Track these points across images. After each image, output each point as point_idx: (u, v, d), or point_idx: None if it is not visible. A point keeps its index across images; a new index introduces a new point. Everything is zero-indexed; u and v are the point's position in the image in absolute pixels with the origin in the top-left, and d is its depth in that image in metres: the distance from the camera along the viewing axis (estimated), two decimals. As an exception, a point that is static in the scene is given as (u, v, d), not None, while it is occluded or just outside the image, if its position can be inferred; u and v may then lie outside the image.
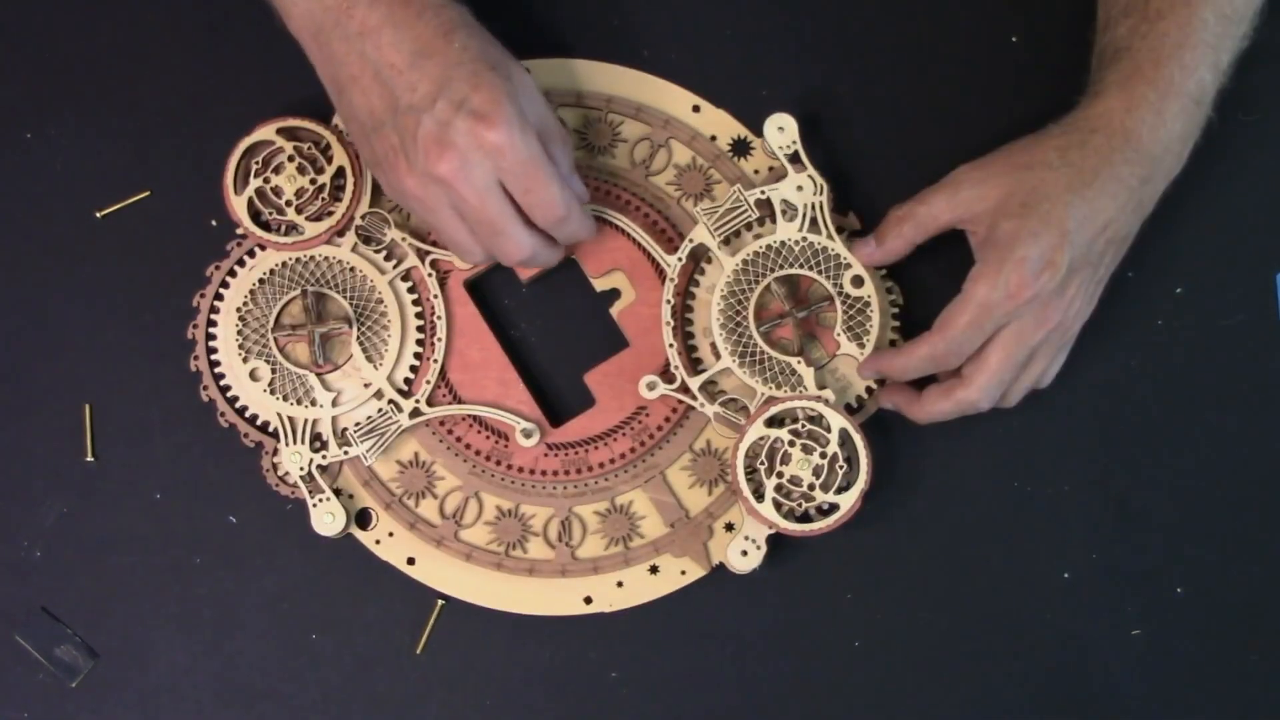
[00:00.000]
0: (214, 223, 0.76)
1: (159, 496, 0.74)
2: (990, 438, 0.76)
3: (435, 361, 0.74)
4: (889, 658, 0.74)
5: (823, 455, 0.71)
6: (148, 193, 0.77)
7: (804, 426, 0.72)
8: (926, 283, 0.76)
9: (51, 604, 0.74)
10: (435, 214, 0.68)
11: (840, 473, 0.71)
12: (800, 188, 0.74)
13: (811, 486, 0.71)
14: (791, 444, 0.71)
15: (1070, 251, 0.68)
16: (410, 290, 0.75)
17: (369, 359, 0.73)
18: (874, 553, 0.75)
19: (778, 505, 0.71)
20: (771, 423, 0.72)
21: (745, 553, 0.72)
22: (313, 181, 0.74)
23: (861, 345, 0.73)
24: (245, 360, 0.73)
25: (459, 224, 0.68)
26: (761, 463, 0.71)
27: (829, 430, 0.71)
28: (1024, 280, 0.67)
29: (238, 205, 0.73)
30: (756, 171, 0.76)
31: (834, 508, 0.71)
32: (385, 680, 0.74)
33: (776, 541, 0.73)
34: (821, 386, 0.73)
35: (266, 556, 0.74)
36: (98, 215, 0.76)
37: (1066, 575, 0.76)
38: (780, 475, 0.71)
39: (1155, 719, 0.75)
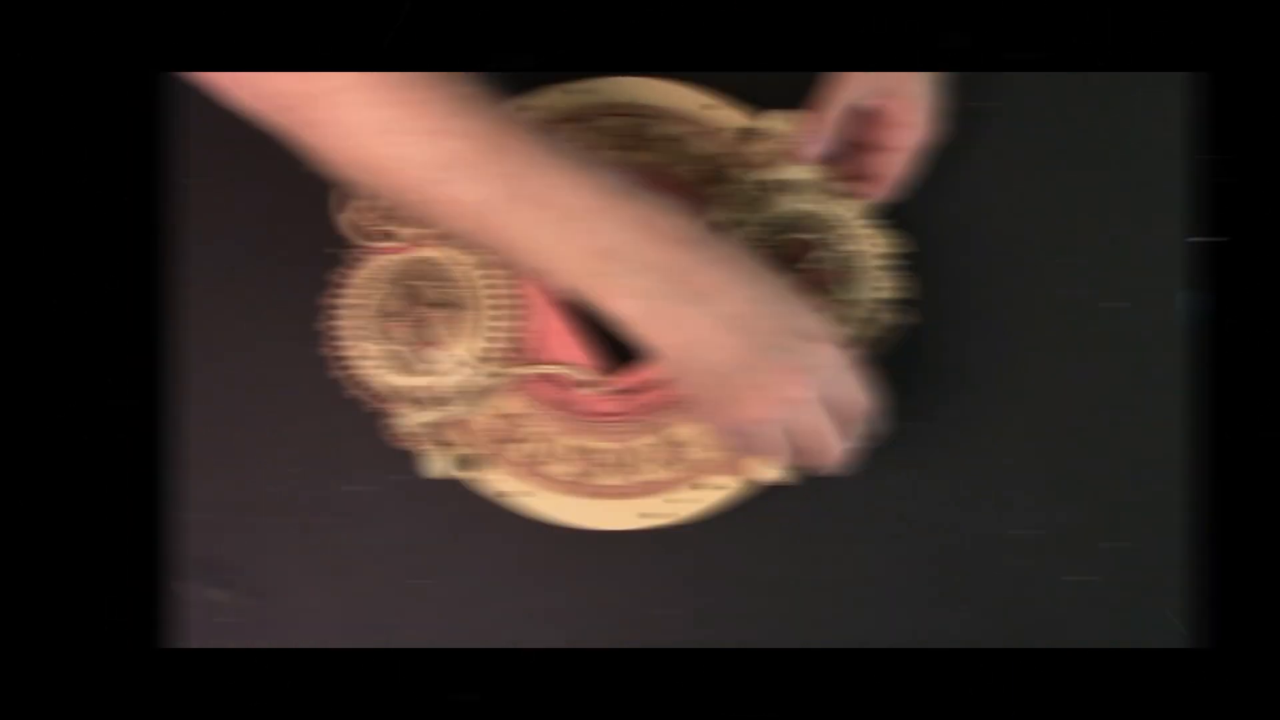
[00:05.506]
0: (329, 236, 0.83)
1: (290, 468, 0.84)
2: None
3: (510, 331, 0.83)
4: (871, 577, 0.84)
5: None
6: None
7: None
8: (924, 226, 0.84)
9: (219, 557, 0.84)
10: (767, 434, 0.71)
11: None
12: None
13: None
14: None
15: None
16: (483, 275, 0.83)
17: (458, 335, 0.83)
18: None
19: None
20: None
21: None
22: (400, 199, 0.83)
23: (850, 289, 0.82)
24: (365, 345, 0.82)
25: (783, 439, 0.72)
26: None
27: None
28: None
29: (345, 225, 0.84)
30: (759, 153, 0.82)
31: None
32: (488, 605, 0.83)
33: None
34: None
35: (381, 510, 0.83)
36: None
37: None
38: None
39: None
